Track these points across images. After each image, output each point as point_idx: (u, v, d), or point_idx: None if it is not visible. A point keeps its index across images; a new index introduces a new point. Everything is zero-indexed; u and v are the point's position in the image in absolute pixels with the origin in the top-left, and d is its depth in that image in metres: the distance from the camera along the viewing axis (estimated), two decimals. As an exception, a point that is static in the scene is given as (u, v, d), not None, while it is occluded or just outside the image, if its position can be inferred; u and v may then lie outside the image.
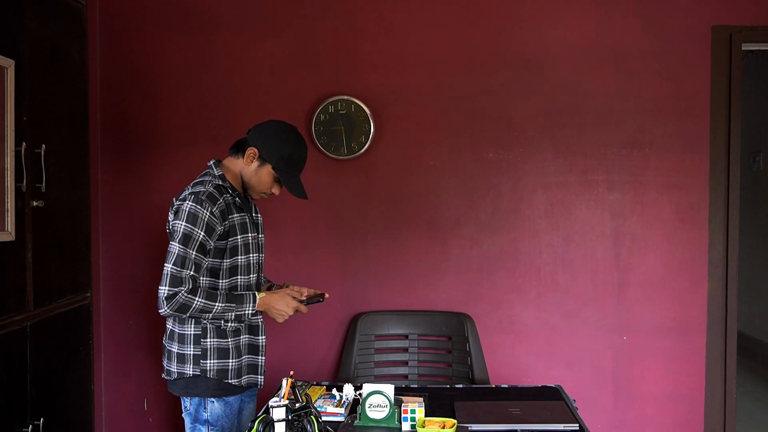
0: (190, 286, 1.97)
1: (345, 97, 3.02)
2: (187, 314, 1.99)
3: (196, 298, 1.97)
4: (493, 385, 2.53)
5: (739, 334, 3.39)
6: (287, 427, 1.73)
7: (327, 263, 3.10)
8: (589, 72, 3.04)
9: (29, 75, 2.49)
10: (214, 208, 2.01)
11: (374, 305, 3.08)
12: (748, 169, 5.28)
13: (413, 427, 1.86)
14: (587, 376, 3.07)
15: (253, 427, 1.72)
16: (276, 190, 2.16)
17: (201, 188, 2.03)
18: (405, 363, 3.00)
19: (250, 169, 2.13)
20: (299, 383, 2.18)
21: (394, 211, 3.09)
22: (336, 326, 3.10)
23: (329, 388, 2.21)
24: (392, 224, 3.09)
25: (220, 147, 3.08)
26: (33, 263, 2.50)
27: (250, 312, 2.06)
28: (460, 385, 2.46)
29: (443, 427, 1.82)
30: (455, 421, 1.86)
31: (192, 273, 1.98)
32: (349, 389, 2.09)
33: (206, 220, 1.99)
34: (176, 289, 1.95)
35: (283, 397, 1.75)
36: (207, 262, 2.04)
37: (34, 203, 2.51)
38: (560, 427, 1.90)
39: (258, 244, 2.22)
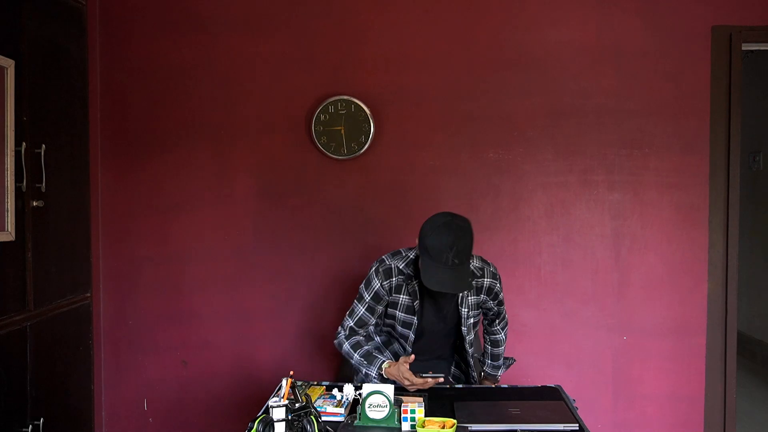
0: (347, 333, 2.30)
1: (345, 97, 3.02)
2: (342, 352, 2.30)
3: (346, 343, 2.29)
4: (493, 385, 2.53)
5: (739, 334, 3.40)
6: (287, 427, 1.73)
7: (327, 263, 3.10)
8: (589, 72, 3.04)
9: (29, 75, 2.49)
10: (385, 282, 2.25)
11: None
12: (748, 169, 5.28)
13: (413, 427, 1.86)
14: (587, 376, 3.07)
15: (253, 427, 1.72)
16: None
17: (387, 260, 2.27)
18: (405, 363, 3.00)
19: None
20: (299, 383, 2.18)
21: (394, 211, 3.09)
22: (336, 326, 3.10)
23: (329, 388, 2.20)
24: (392, 224, 3.09)
25: (220, 147, 3.10)
26: (33, 263, 2.51)
27: (374, 375, 2.21)
28: (460, 385, 2.46)
29: (443, 427, 1.82)
30: (455, 421, 1.86)
31: (352, 325, 2.30)
32: (349, 389, 2.09)
33: (376, 288, 2.26)
34: (339, 330, 2.32)
35: (283, 397, 1.75)
36: (373, 320, 2.30)
37: (34, 203, 2.51)
38: (560, 427, 1.90)
39: (426, 329, 2.30)
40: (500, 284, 2.38)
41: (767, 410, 4.10)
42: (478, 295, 2.33)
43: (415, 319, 2.28)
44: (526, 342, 3.09)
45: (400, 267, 2.25)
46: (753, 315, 5.25)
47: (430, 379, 2.12)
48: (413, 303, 2.26)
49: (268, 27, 3.08)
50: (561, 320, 3.08)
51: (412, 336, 2.32)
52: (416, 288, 2.24)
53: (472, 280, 2.28)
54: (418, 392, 2.21)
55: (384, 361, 2.20)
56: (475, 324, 2.40)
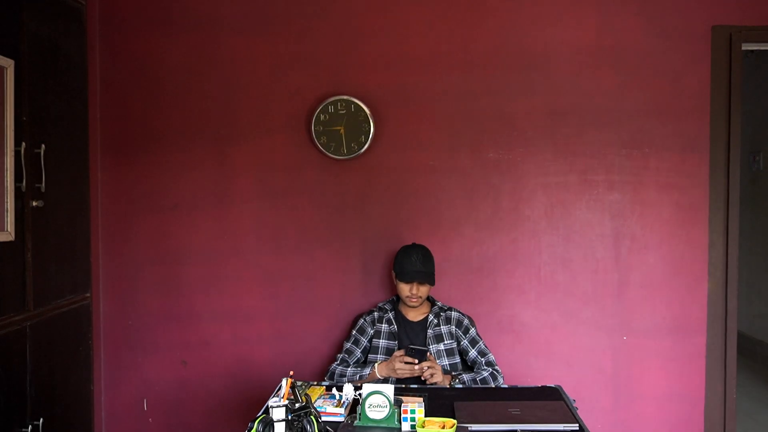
0: (338, 363, 2.65)
1: (345, 97, 3.02)
2: (336, 376, 2.60)
3: (339, 368, 2.62)
4: (493, 385, 2.53)
5: (739, 334, 3.39)
6: (287, 427, 1.73)
7: (327, 263, 3.10)
8: (589, 72, 3.04)
9: (29, 75, 2.49)
10: (368, 317, 2.77)
11: (374, 305, 3.08)
12: (748, 169, 5.28)
13: (413, 427, 1.86)
14: (587, 376, 3.07)
15: (252, 427, 1.72)
16: (413, 290, 2.64)
17: (374, 307, 2.80)
18: (405, 363, 3.00)
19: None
20: (299, 383, 2.18)
21: (394, 211, 3.09)
22: (336, 326, 3.10)
23: (329, 388, 2.21)
24: (392, 224, 3.09)
25: (220, 147, 3.10)
26: (33, 263, 2.50)
27: (366, 374, 2.53)
28: (460, 385, 2.46)
29: (443, 427, 1.82)
30: (455, 421, 1.86)
31: (342, 355, 2.70)
32: (349, 389, 2.09)
33: (360, 323, 2.76)
34: (332, 364, 2.66)
35: (283, 397, 1.75)
36: (359, 351, 2.72)
37: (34, 203, 2.51)
38: (560, 427, 1.90)
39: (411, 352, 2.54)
40: (470, 322, 2.76)
41: (767, 410, 4.10)
42: (447, 324, 2.71)
43: (396, 344, 2.64)
44: (526, 342, 3.09)
45: (379, 305, 2.78)
46: (753, 315, 5.25)
47: (416, 366, 2.40)
48: (391, 328, 2.68)
49: (268, 27, 3.08)
50: (561, 320, 3.08)
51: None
52: (392, 317, 2.71)
53: (440, 309, 2.74)
54: (418, 392, 2.21)
55: (376, 363, 2.52)
56: (447, 352, 2.66)
